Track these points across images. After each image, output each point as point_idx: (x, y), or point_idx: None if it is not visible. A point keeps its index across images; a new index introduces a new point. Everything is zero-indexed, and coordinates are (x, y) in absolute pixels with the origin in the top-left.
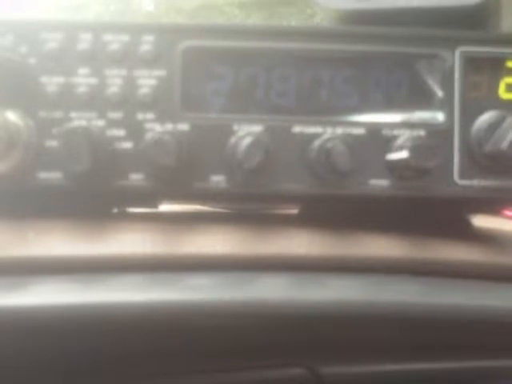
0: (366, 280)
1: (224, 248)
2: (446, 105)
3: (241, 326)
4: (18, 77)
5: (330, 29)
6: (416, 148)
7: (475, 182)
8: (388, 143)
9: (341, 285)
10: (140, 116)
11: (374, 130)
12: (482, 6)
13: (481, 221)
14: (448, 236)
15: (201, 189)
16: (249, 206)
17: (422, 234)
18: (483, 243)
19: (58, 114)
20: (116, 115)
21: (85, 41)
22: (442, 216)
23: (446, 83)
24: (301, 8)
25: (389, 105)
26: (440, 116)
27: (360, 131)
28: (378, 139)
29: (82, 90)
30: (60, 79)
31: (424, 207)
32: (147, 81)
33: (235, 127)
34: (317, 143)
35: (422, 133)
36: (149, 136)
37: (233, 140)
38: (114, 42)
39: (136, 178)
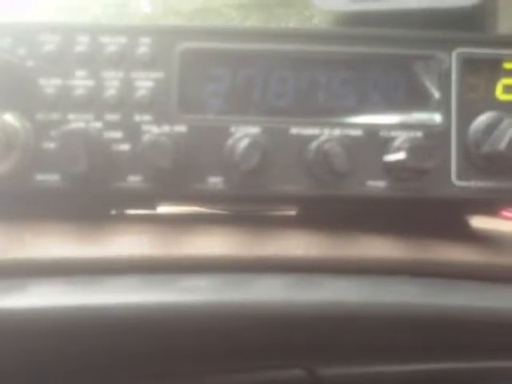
0: (365, 281)
1: (222, 249)
2: (444, 106)
3: (239, 328)
4: (16, 79)
5: (327, 30)
6: (413, 149)
7: (473, 183)
8: (385, 144)
9: (339, 286)
10: (137, 118)
11: (372, 131)
12: (479, 8)
13: (478, 222)
14: (446, 237)
15: (198, 190)
16: (246, 207)
17: (420, 235)
18: (481, 244)
19: (55, 116)
20: (113, 117)
21: (82, 43)
22: (439, 217)
23: (443, 84)
24: (299, 10)
25: (386, 106)
26: (437, 117)
27: (357, 132)
28: (376, 140)
29: (79, 92)
30: (58, 81)
31: (422, 208)
32: (144, 83)
33: (232, 129)
34: (314, 145)
35: (419, 134)
36: (146, 138)
37: (230, 142)
38: (112, 44)
39: (133, 179)
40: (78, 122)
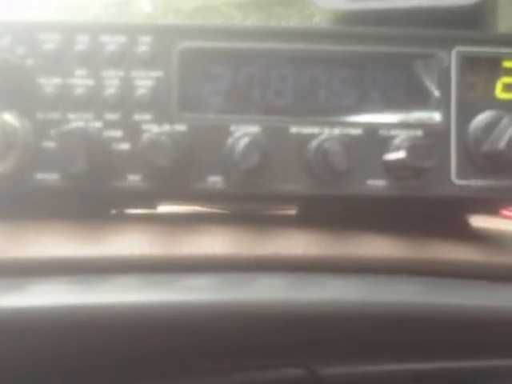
0: (364, 280)
1: (222, 248)
2: (443, 105)
3: (239, 327)
4: (16, 78)
5: (327, 29)
6: (413, 148)
7: (472, 182)
8: (385, 143)
9: (339, 285)
10: (137, 117)
11: (371, 130)
12: (479, 6)
13: (478, 221)
14: (446, 236)
15: (198, 189)
16: (246, 206)
17: (420, 233)
18: (481, 243)
19: (55, 115)
20: (113, 116)
21: (82, 42)
22: (439, 216)
23: (443, 83)
24: (299, 9)
25: (386, 105)
26: (437, 116)
27: (357, 131)
28: (375, 139)
29: (79, 91)
30: (57, 80)
31: (421, 207)
32: (144, 82)
33: (232, 128)
34: (314, 143)
35: (419, 133)
36: (146, 137)
37: (230, 141)
38: (111, 43)
39: (133, 178)
40: (77, 121)
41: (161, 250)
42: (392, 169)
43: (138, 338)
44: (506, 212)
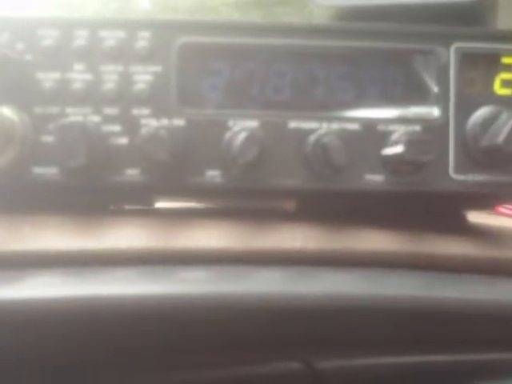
0: (362, 274)
1: (219, 242)
2: (442, 100)
3: (236, 320)
4: (14, 73)
5: (325, 25)
6: (411, 143)
7: (470, 177)
8: (383, 138)
9: (337, 278)
10: (136, 111)
11: (370, 125)
12: (479, 3)
13: (475, 218)
14: (444, 230)
15: (196, 184)
16: (244, 201)
17: (418, 228)
18: (479, 238)
19: (53, 110)
20: (112, 111)
21: (81, 37)
22: (437, 210)
23: (442, 79)
24: (298, 8)
25: (384, 100)
26: (435, 111)
27: (355, 126)
28: (374, 134)
29: (77, 85)
30: (56, 75)
31: (419, 202)
32: (143, 77)
33: (231, 123)
34: (312, 138)
35: (417, 128)
36: (144, 131)
37: (228, 135)
38: (110, 38)
39: (132, 173)
40: (76, 115)
41: (158, 242)
42: (390, 163)
43: (135, 330)
44: (502, 209)
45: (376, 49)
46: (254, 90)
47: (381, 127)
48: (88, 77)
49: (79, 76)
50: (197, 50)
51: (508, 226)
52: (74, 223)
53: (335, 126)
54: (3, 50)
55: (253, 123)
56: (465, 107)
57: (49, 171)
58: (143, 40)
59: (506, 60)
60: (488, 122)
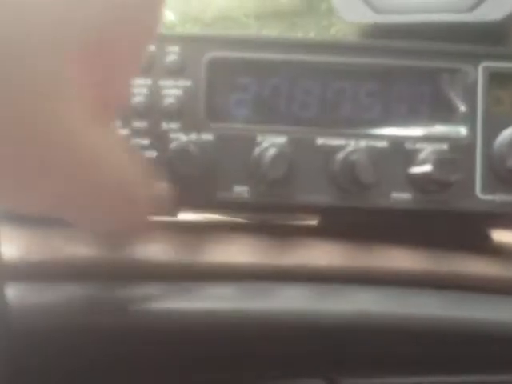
0: (388, 292)
1: (246, 257)
2: (469, 119)
3: (261, 337)
4: None
5: (353, 42)
6: (439, 162)
7: (497, 197)
8: (410, 156)
9: (362, 297)
10: (165, 126)
11: (397, 143)
12: (506, 22)
13: (500, 237)
14: (469, 250)
15: (224, 199)
16: (270, 216)
17: (443, 247)
18: (504, 258)
19: None
20: (141, 124)
21: None
22: (463, 230)
23: (469, 98)
24: (316, 19)
25: (411, 118)
26: (463, 130)
27: (383, 144)
28: (401, 152)
29: None
30: None
31: (445, 221)
32: (172, 91)
33: (259, 138)
34: (340, 155)
35: (444, 147)
36: (173, 145)
37: (257, 151)
38: None
39: (159, 187)
40: None
41: (185, 258)
42: (417, 182)
43: (160, 345)
44: None
45: (404, 67)
46: (281, 106)
47: (408, 145)
48: None
49: None
50: (225, 65)
51: None
52: (100, 236)
53: (363, 143)
54: None
55: (281, 139)
56: (492, 127)
57: None
58: (173, 54)
59: None
60: None
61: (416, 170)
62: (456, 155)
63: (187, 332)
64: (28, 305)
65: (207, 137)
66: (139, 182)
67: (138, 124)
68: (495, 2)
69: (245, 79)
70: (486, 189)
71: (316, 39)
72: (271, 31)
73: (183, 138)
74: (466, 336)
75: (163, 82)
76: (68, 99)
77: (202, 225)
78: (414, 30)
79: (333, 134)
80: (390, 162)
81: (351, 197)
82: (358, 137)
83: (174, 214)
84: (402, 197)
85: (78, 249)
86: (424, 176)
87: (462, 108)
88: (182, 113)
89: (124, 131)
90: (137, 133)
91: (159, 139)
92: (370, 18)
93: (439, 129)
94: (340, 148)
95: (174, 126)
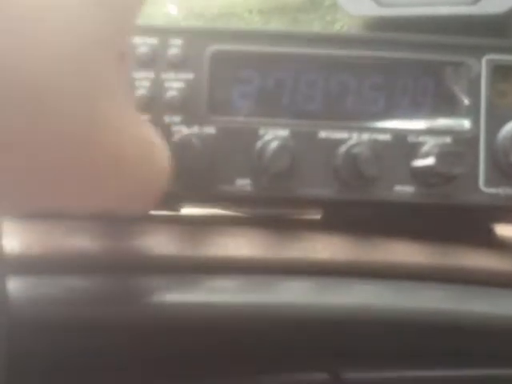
0: (390, 285)
1: (249, 251)
2: (472, 112)
3: (263, 330)
4: None
5: (356, 35)
6: (442, 155)
7: (500, 190)
8: (414, 150)
9: (365, 290)
10: (167, 118)
11: (400, 136)
12: (510, 15)
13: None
14: (472, 243)
15: (226, 192)
16: (272, 210)
17: (446, 240)
18: (507, 251)
19: None
20: (143, 117)
21: None
22: (466, 223)
23: (473, 91)
24: (320, 14)
25: (415, 111)
26: (466, 123)
27: (386, 137)
28: (404, 145)
29: None
30: None
31: (448, 214)
32: (175, 84)
33: (262, 131)
34: (343, 149)
35: (447, 140)
36: (176, 138)
37: (259, 144)
38: (143, 45)
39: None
40: None
41: (188, 251)
42: (420, 175)
43: (160, 339)
44: None
45: (407, 60)
46: (284, 99)
47: (411, 138)
48: None
49: None
50: (228, 58)
51: None
52: (101, 229)
53: (366, 136)
54: None
55: (284, 132)
56: (496, 120)
57: None
58: (175, 47)
59: None
60: None
61: (419, 163)
62: (459, 148)
63: (189, 324)
64: (29, 298)
65: (209, 130)
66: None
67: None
68: None
69: (247, 72)
70: (489, 182)
71: (319, 32)
72: (274, 27)
73: (185, 130)
74: (469, 330)
75: (166, 75)
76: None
77: (204, 219)
78: (418, 23)
79: (336, 127)
80: (393, 155)
81: (354, 190)
82: (361, 130)
83: (177, 209)
84: (404, 190)
85: (79, 242)
86: (427, 169)
87: (466, 101)
88: (184, 106)
89: None
90: None
91: (161, 132)
92: (373, 11)
93: (442, 122)
94: (343, 141)
95: (176, 118)
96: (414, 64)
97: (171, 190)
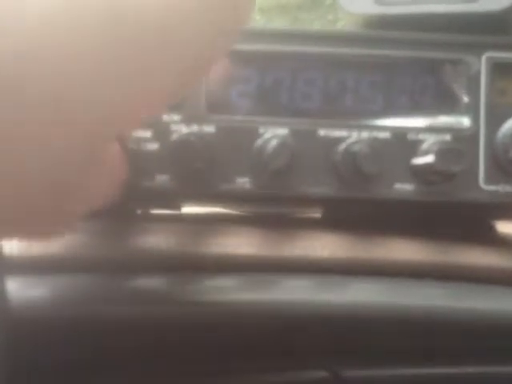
0: (390, 283)
1: (248, 249)
2: (472, 110)
3: (264, 327)
4: None
5: (355, 33)
6: (442, 152)
7: (500, 188)
8: (413, 147)
9: (364, 288)
10: (166, 117)
11: (400, 134)
12: (509, 12)
13: (504, 228)
14: (472, 241)
15: (226, 190)
16: (272, 208)
17: (446, 238)
18: (507, 248)
19: None
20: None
21: None
22: (466, 221)
23: (472, 88)
24: (322, 14)
25: (414, 109)
26: (466, 121)
27: (385, 135)
28: (404, 143)
29: None
30: None
31: (448, 212)
32: None
33: (261, 130)
34: (342, 146)
35: (447, 137)
36: (175, 137)
37: (259, 142)
38: None
39: (161, 179)
40: None
41: (187, 249)
42: (420, 173)
43: (162, 337)
44: None
45: (406, 58)
46: (283, 98)
47: (411, 136)
48: None
49: None
50: (227, 57)
51: None
52: (103, 229)
53: (365, 134)
54: None
55: (283, 130)
56: (495, 117)
57: None
58: None
59: None
60: None
61: (419, 160)
62: (459, 146)
63: (189, 323)
64: (28, 298)
65: (209, 128)
66: None
67: None
68: None
69: (246, 71)
70: (489, 179)
71: (317, 31)
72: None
73: (185, 129)
74: (468, 327)
75: None
76: None
77: (204, 217)
78: (417, 20)
79: (335, 125)
80: (393, 153)
81: (353, 188)
82: (361, 128)
83: (178, 208)
84: (404, 188)
85: (78, 241)
86: (427, 167)
87: (465, 98)
88: (183, 104)
89: None
90: None
91: (161, 131)
92: (372, 8)
93: (442, 119)
94: (342, 139)
95: (175, 117)
96: (414, 62)
97: (171, 190)
